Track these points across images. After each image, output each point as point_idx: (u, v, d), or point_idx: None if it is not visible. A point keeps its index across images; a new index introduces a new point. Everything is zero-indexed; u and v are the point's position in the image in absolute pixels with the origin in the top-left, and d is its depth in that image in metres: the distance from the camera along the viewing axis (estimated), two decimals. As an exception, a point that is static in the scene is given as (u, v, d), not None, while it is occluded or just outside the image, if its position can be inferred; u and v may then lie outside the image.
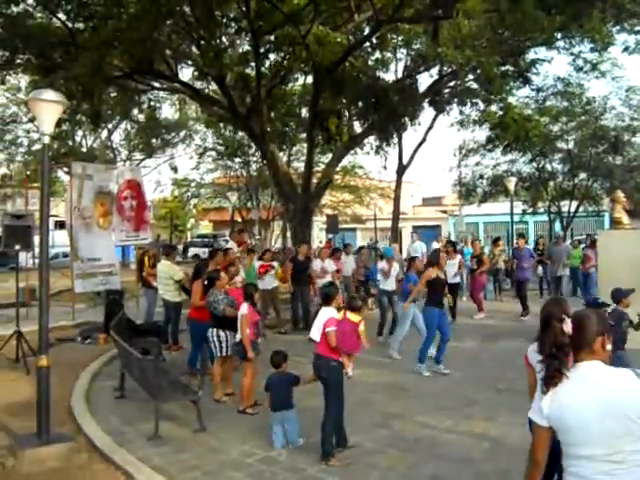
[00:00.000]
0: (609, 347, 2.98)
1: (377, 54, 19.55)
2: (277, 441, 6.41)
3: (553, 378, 2.89)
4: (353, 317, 6.46)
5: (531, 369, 4.56)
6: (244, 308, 7.65)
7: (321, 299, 6.84)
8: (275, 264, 13.83)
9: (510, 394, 8.30)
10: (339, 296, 6.69)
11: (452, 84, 20.08)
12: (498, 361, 10.23)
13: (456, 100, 21.00)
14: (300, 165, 27.55)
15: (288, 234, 25.82)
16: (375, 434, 6.78)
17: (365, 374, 9.11)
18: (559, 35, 17.50)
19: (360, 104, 19.06)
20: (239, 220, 36.02)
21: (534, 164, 28.00)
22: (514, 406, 7.58)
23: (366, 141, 21.97)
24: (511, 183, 23.59)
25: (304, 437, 6.45)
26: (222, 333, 8.15)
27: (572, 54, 19.13)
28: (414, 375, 9.52)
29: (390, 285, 12.20)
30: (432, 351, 9.87)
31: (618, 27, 16.73)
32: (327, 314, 6.36)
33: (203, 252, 43.07)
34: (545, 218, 31.08)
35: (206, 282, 8.73)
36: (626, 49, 16.78)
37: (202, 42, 15.14)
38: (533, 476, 3.02)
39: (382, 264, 12.44)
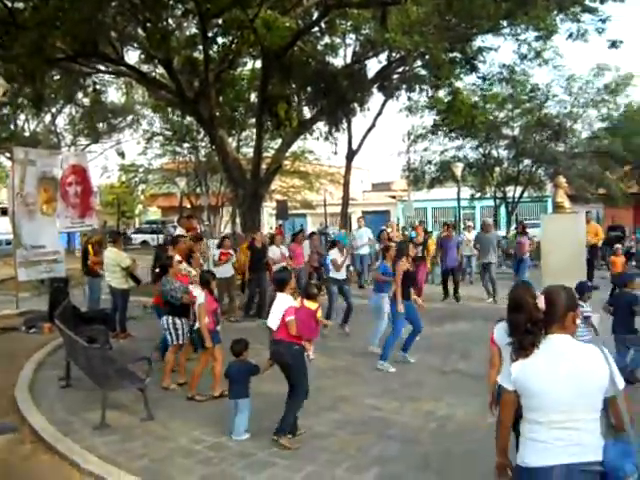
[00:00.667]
0: (578, 321, 3.21)
1: (326, 39, 19.51)
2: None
3: (526, 350, 3.06)
4: (310, 304, 6.55)
5: (496, 348, 4.69)
6: (202, 296, 7.62)
7: (275, 284, 6.81)
8: (232, 252, 13.71)
9: (455, 376, 8.56)
10: (292, 281, 6.71)
11: (401, 70, 20.18)
12: (443, 344, 10.41)
13: (405, 86, 21.14)
14: (250, 150, 27.30)
15: (238, 220, 25.65)
16: (324, 417, 6.84)
17: (316, 359, 9.15)
18: (505, 22, 17.77)
19: (309, 89, 19.02)
20: (188, 206, 35.64)
21: (480, 150, 28.49)
22: (459, 388, 7.81)
23: (315, 127, 21.97)
24: (458, 169, 24.03)
25: (250, 431, 6.38)
26: (178, 320, 8.16)
27: (518, 40, 19.47)
28: (364, 359, 9.63)
29: (341, 274, 12.06)
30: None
31: (562, 16, 17.06)
32: (285, 302, 6.37)
33: (152, 239, 42.52)
34: (491, 203, 31.67)
35: (158, 269, 8.63)
36: (570, 36, 17.12)
37: (148, 24, 14.82)
38: (500, 433, 3.27)
39: (334, 253, 12.08)
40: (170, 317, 8.16)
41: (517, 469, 3.10)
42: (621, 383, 3.00)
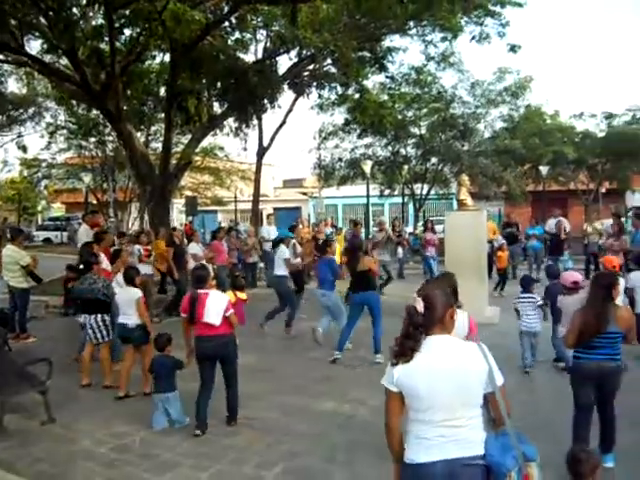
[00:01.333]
0: (456, 317, 3.20)
1: (237, 34, 19.35)
2: (157, 423, 6.45)
3: (405, 355, 3.06)
4: (242, 295, 7.16)
5: None
6: (136, 290, 7.62)
7: (194, 281, 6.75)
8: (150, 248, 13.40)
9: (362, 370, 8.68)
10: (211, 277, 6.77)
11: (311, 67, 20.31)
12: (351, 339, 10.43)
13: (315, 83, 21.30)
14: (159, 145, 26.75)
15: (146, 216, 25.11)
16: (233, 415, 6.79)
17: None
18: (412, 23, 18.22)
19: (219, 84, 18.83)
20: (94, 202, 34.59)
21: (389, 148, 29.04)
22: (366, 382, 7.94)
23: (226, 122, 21.78)
24: (367, 166, 24.43)
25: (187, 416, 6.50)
26: (106, 317, 8.04)
27: (424, 41, 20.02)
28: (275, 356, 9.67)
29: (286, 270, 11.58)
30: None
31: (466, 18, 17.69)
32: (222, 299, 6.51)
33: (55, 236, 41.02)
34: (400, 200, 32.35)
35: (82, 266, 8.40)
36: (473, 38, 17.79)
37: (51, 13, 14.26)
38: (390, 439, 3.21)
39: (285, 251, 11.54)
40: (99, 315, 7.98)
41: (403, 466, 3.12)
42: (499, 379, 3.06)
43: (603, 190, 34.31)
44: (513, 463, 2.91)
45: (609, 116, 32.35)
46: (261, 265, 18.47)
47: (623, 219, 14.88)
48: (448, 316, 3.12)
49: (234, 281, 7.28)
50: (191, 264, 12.80)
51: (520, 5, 17.55)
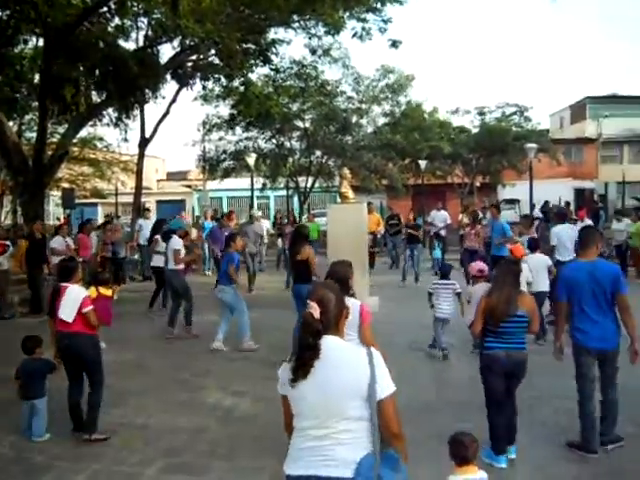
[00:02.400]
0: (350, 317, 3.17)
1: (116, 20, 18.73)
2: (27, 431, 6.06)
3: (306, 367, 2.75)
4: (106, 291, 6.50)
5: None
6: None
7: (60, 275, 6.35)
8: (8, 243, 12.77)
9: (243, 363, 8.68)
10: (79, 271, 6.42)
11: (194, 58, 20.04)
12: (233, 332, 9.91)
13: (199, 74, 21.03)
14: (33, 135, 25.49)
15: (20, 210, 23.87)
16: (109, 414, 6.46)
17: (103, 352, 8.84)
18: (295, 16, 18.34)
19: (98, 72, 18.19)
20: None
21: (274, 141, 29.11)
22: (247, 374, 7.99)
23: (105, 112, 21.08)
24: (251, 159, 24.45)
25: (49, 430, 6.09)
26: None
27: (308, 33, 20.20)
28: (152, 352, 9.52)
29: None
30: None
31: (348, 14, 17.99)
32: (79, 293, 6.03)
33: None
34: (284, 193, 32.55)
35: None
36: (355, 35, 18.12)
37: None
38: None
39: (177, 243, 10.93)
40: None
41: None
42: (384, 391, 2.73)
43: (477, 184, 36.02)
44: None
45: (482, 112, 34.06)
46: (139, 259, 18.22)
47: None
48: (343, 317, 2.95)
49: (96, 275, 6.90)
50: (52, 259, 12.38)
51: (400, 3, 18.02)
